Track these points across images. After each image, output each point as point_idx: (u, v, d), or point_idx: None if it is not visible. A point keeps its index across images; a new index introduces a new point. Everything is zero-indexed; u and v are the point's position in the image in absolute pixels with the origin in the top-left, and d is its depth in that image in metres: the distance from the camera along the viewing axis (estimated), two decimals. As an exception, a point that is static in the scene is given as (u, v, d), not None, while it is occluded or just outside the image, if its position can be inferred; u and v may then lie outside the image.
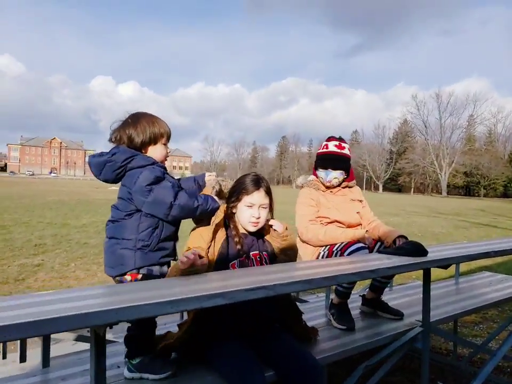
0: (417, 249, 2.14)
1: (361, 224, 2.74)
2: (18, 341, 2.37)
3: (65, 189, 34.32)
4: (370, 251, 2.49)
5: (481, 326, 4.53)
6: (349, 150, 2.77)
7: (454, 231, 14.28)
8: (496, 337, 3.69)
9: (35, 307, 1.11)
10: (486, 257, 2.36)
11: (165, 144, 1.95)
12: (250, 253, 1.95)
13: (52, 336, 2.84)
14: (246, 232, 2.00)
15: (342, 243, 2.44)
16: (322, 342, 2.18)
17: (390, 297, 3.20)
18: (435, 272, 2.26)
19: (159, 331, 1.88)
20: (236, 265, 1.88)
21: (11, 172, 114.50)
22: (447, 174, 77.58)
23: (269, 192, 2.00)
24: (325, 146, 2.75)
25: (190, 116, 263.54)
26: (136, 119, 1.88)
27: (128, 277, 1.77)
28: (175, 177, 2.14)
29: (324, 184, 2.72)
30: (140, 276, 1.77)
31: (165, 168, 1.92)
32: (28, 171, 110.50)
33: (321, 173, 2.72)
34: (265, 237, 2.07)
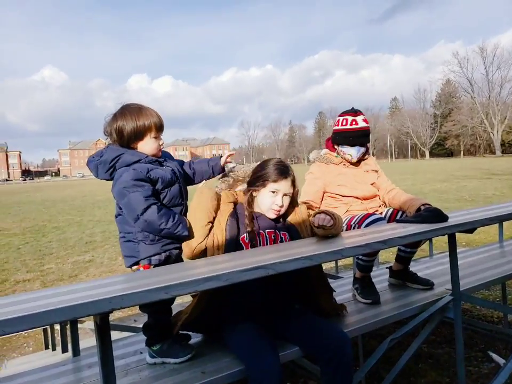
0: (436, 215, 2.03)
1: (377, 196, 2.64)
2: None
3: (114, 187, 35.68)
4: (392, 221, 2.41)
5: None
6: None
7: (509, 192, 13.45)
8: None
9: (40, 301, 1.17)
10: (517, 217, 2.20)
11: (155, 138, 1.87)
12: (265, 230, 1.93)
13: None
14: (261, 212, 1.98)
15: (359, 216, 2.37)
16: (348, 316, 2.15)
17: (423, 266, 3.09)
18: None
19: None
20: (245, 239, 1.88)
21: (64, 175, 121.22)
22: (499, 131, 72.84)
23: (294, 182, 1.98)
24: (353, 122, 2.55)
25: (225, 103, 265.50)
26: (121, 113, 1.84)
27: (141, 269, 1.80)
28: (186, 160, 2.11)
29: (349, 161, 2.61)
30: (152, 267, 1.79)
31: (157, 162, 1.87)
32: (78, 173, 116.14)
33: (350, 150, 2.57)
34: (288, 219, 2.01)
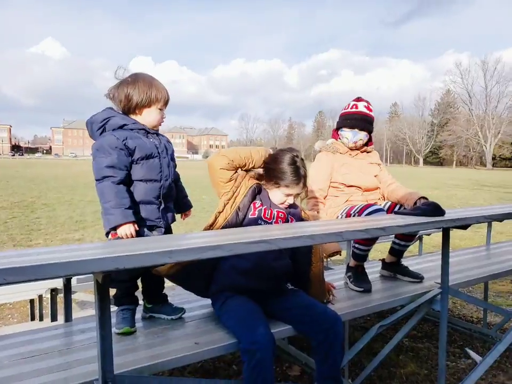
0: (434, 209, 2.06)
1: (379, 188, 2.68)
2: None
3: (106, 169, 35.48)
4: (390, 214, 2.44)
5: (517, 295, 4.40)
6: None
7: (497, 203, 13.69)
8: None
9: (43, 255, 1.17)
10: (510, 218, 2.26)
11: (160, 109, 1.93)
12: (275, 209, 1.97)
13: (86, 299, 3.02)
14: None
15: (359, 206, 2.40)
16: (338, 302, 2.19)
17: (413, 262, 3.16)
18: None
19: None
20: (256, 211, 1.92)
21: (55, 154, 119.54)
22: (492, 145, 73.83)
23: (305, 183, 2.03)
24: (354, 106, 2.63)
25: (228, 94, 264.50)
26: (135, 79, 1.87)
27: (109, 236, 1.76)
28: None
29: (346, 146, 2.66)
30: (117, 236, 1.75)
31: (145, 131, 1.88)
32: (71, 153, 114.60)
33: (347, 133, 2.63)
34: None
